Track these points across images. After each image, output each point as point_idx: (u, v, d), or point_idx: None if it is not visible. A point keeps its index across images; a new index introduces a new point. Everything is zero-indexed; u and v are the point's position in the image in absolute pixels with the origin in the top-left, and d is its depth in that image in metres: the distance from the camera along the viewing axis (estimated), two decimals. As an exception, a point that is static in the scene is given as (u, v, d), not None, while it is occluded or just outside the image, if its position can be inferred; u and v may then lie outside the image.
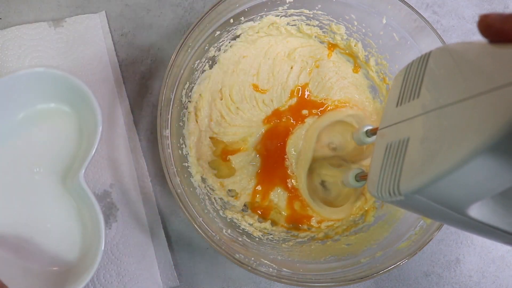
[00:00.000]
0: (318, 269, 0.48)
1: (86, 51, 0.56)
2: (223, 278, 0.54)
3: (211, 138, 0.55)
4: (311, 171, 0.55)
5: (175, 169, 0.46)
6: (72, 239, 0.46)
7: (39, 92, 0.46)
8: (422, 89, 0.33)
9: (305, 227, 0.55)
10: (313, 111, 0.57)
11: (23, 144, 0.46)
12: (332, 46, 0.59)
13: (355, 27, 0.55)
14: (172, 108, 0.48)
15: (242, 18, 0.53)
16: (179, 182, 0.46)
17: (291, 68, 0.58)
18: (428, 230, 0.47)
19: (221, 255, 0.44)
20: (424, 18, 0.50)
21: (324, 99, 0.58)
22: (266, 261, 0.46)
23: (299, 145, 0.56)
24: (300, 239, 0.53)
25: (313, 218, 0.55)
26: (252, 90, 0.57)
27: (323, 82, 0.58)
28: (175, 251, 0.54)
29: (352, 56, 0.59)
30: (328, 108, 0.57)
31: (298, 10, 0.55)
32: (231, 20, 0.52)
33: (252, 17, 0.54)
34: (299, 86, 0.58)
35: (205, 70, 0.54)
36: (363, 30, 0.55)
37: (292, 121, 0.56)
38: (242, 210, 0.54)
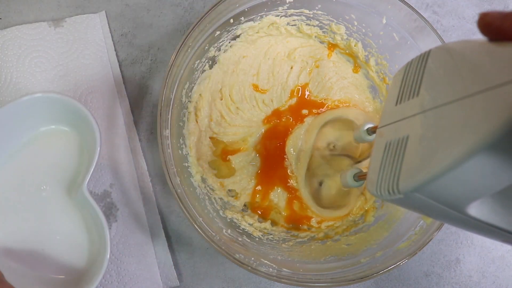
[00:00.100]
0: (318, 269, 0.48)
1: (86, 51, 0.56)
2: (223, 278, 0.54)
3: (211, 138, 0.55)
4: (310, 171, 0.55)
5: (175, 169, 0.46)
6: (80, 248, 0.48)
7: (41, 115, 0.49)
8: (421, 88, 0.33)
9: (305, 227, 0.55)
10: (313, 111, 0.57)
11: (29, 165, 0.49)
12: (332, 46, 0.59)
13: (355, 27, 0.55)
14: (172, 108, 0.48)
15: (242, 18, 0.53)
16: (179, 182, 0.46)
17: (291, 68, 0.58)
18: (428, 230, 0.47)
19: (221, 255, 0.44)
20: (424, 18, 0.50)
21: (324, 99, 0.58)
22: (266, 261, 0.46)
23: (298, 145, 0.56)
24: (300, 239, 0.53)
25: (313, 218, 0.55)
26: (252, 90, 0.57)
27: (323, 82, 0.58)
28: (175, 251, 0.54)
29: (352, 56, 0.59)
30: (328, 108, 0.57)
31: (298, 10, 0.55)
32: (231, 20, 0.52)
33: (252, 17, 0.54)
34: (299, 86, 0.58)
35: (205, 70, 0.54)
36: (363, 30, 0.55)
37: (292, 121, 0.56)
38: (242, 210, 0.54)
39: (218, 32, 0.52)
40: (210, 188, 0.53)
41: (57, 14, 0.58)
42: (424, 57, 0.34)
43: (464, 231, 0.59)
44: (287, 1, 0.53)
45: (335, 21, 0.56)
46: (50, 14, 0.58)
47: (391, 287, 0.57)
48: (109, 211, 0.52)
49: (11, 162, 0.49)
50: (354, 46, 0.57)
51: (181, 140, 0.51)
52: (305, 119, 0.56)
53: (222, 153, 0.55)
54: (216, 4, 0.48)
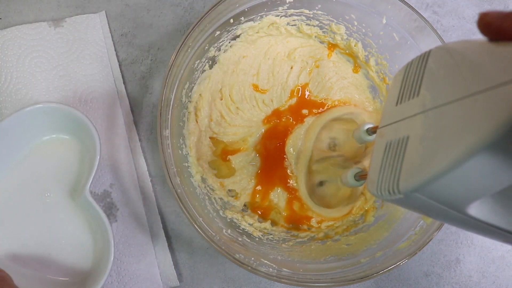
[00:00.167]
0: (318, 269, 0.48)
1: (86, 51, 0.56)
2: (223, 278, 0.54)
3: (211, 138, 0.55)
4: (310, 171, 0.55)
5: (175, 169, 0.46)
6: (85, 251, 0.50)
7: (42, 125, 0.50)
8: (422, 88, 0.33)
9: (305, 227, 0.55)
10: (313, 111, 0.57)
11: (32, 173, 0.50)
12: (332, 46, 0.59)
13: (355, 27, 0.55)
14: (172, 108, 0.48)
15: (242, 18, 0.53)
16: (179, 182, 0.46)
17: (291, 68, 0.58)
18: (428, 230, 0.47)
19: (221, 255, 0.44)
20: (424, 18, 0.50)
21: (324, 99, 0.58)
22: (266, 261, 0.46)
23: (298, 144, 0.56)
24: (300, 239, 0.53)
25: (313, 218, 0.55)
26: (252, 90, 0.57)
27: (323, 82, 0.58)
28: (175, 251, 0.54)
29: (352, 56, 0.59)
30: (328, 108, 0.57)
31: (298, 10, 0.55)
32: (231, 20, 0.52)
33: (252, 17, 0.54)
34: (299, 86, 0.58)
35: (205, 70, 0.54)
36: (363, 30, 0.55)
37: (291, 121, 0.56)
38: (242, 210, 0.54)
39: (218, 32, 0.52)
40: (210, 188, 0.53)
41: (57, 14, 0.58)
42: (425, 57, 0.34)
43: (464, 231, 0.59)
44: (287, 1, 0.53)
45: (335, 21, 0.56)
46: (50, 14, 0.58)
47: (391, 287, 0.57)
48: (109, 211, 0.52)
49: (15, 172, 0.50)
50: (354, 46, 0.57)
51: (181, 140, 0.51)
52: (305, 119, 0.56)
53: (222, 153, 0.55)
54: (216, 4, 0.48)
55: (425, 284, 0.58)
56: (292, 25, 0.57)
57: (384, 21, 0.53)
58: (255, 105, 0.57)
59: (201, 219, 0.45)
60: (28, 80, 0.54)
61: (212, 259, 0.54)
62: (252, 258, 0.45)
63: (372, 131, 0.49)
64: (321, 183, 0.55)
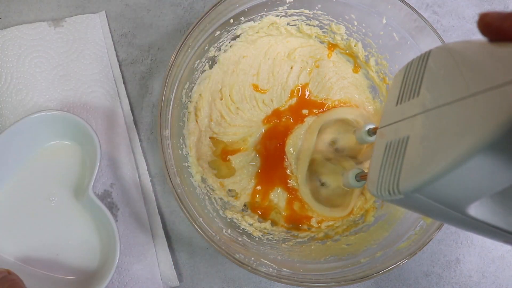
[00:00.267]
0: (318, 269, 0.48)
1: (86, 51, 0.56)
2: (223, 278, 0.54)
3: (211, 138, 0.55)
4: (311, 171, 0.55)
5: (175, 169, 0.46)
6: (91, 249, 0.51)
7: (44, 132, 0.51)
8: (422, 88, 0.33)
9: (305, 227, 0.55)
10: (313, 111, 0.57)
11: (37, 178, 0.52)
12: (332, 46, 0.59)
13: (355, 27, 0.55)
14: (172, 108, 0.48)
15: (242, 18, 0.53)
16: (179, 182, 0.46)
17: (291, 68, 0.58)
18: (428, 230, 0.47)
19: (221, 255, 0.44)
20: (424, 18, 0.50)
21: (324, 99, 0.58)
22: (266, 261, 0.46)
23: (298, 144, 0.56)
24: (300, 239, 0.53)
25: (313, 218, 0.55)
26: (252, 90, 0.57)
27: (323, 82, 0.58)
28: (175, 251, 0.54)
29: (352, 56, 0.59)
30: (328, 108, 0.57)
31: (298, 10, 0.55)
32: (231, 20, 0.52)
33: (252, 17, 0.54)
34: (299, 86, 0.58)
35: (205, 70, 0.54)
36: (363, 30, 0.55)
37: (291, 121, 0.56)
38: (242, 210, 0.54)
39: (218, 32, 0.52)
40: (210, 188, 0.53)
41: (57, 14, 0.58)
42: (425, 58, 0.34)
43: (464, 231, 0.59)
44: (287, 1, 0.53)
45: (335, 21, 0.56)
46: (50, 14, 0.58)
47: (391, 287, 0.57)
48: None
49: (20, 178, 0.51)
50: (354, 46, 0.57)
51: (181, 140, 0.51)
52: (305, 119, 0.56)
53: (222, 153, 0.55)
54: (216, 4, 0.48)
55: (425, 284, 0.58)
56: (292, 25, 0.57)
57: (384, 21, 0.53)
58: (255, 105, 0.57)
59: (201, 219, 0.45)
60: (28, 81, 0.54)
61: (212, 259, 0.54)
62: (252, 258, 0.45)
63: (373, 131, 0.49)
64: (321, 183, 0.55)
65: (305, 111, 0.57)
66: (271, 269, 0.45)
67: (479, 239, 0.59)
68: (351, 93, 0.59)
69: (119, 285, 0.51)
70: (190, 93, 0.53)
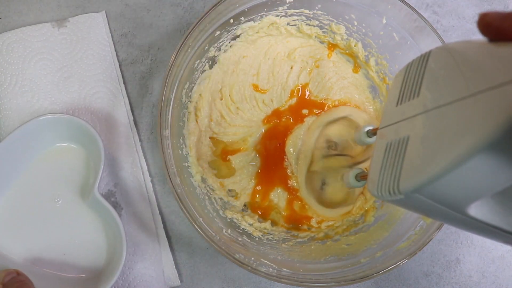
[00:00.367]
0: (318, 269, 0.48)
1: (89, 51, 0.56)
2: (223, 278, 0.54)
3: (211, 138, 0.55)
4: (311, 171, 0.55)
5: (175, 169, 0.46)
6: (98, 248, 0.51)
7: (49, 134, 0.52)
8: (422, 88, 0.33)
9: (305, 227, 0.55)
10: (313, 110, 0.57)
11: (41, 181, 0.52)
12: (332, 46, 0.59)
13: (355, 27, 0.55)
14: (172, 108, 0.48)
15: (242, 18, 0.53)
16: (179, 182, 0.46)
17: (291, 68, 0.58)
18: (428, 230, 0.47)
19: (221, 255, 0.44)
20: (424, 18, 0.50)
21: (324, 99, 0.58)
22: (266, 261, 0.46)
23: (298, 144, 0.56)
24: (300, 239, 0.53)
25: (313, 218, 0.55)
26: (252, 90, 0.57)
27: (323, 82, 0.58)
28: (175, 251, 0.54)
29: (352, 56, 0.59)
30: (328, 108, 0.57)
31: (298, 10, 0.55)
32: (231, 20, 0.52)
33: (252, 17, 0.54)
34: (299, 86, 0.58)
35: (205, 70, 0.54)
36: (363, 30, 0.55)
37: (291, 121, 0.56)
38: (242, 210, 0.54)
39: (218, 32, 0.52)
40: (210, 188, 0.53)
41: (57, 14, 0.58)
42: (425, 58, 0.34)
43: (464, 231, 0.59)
44: (287, 1, 0.53)
45: (335, 21, 0.56)
46: (50, 14, 0.58)
47: (391, 287, 0.57)
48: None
49: (25, 180, 0.52)
50: (354, 46, 0.57)
51: (181, 140, 0.51)
52: (305, 119, 0.56)
53: (222, 153, 0.55)
54: (216, 4, 0.48)
55: (425, 284, 0.58)
56: (292, 25, 0.57)
57: (384, 21, 0.53)
58: (255, 105, 0.57)
59: (201, 219, 0.45)
60: (33, 83, 0.54)
61: (212, 259, 0.54)
62: (252, 258, 0.45)
63: (372, 133, 0.49)
64: (322, 183, 0.55)
65: (305, 111, 0.57)
66: (271, 269, 0.45)
67: (479, 239, 0.59)
68: (351, 93, 0.59)
69: (123, 283, 0.51)
70: (190, 93, 0.53)
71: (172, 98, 0.48)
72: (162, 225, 0.53)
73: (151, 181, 0.55)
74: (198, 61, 0.52)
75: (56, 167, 0.53)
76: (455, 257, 0.59)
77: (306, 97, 0.58)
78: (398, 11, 0.51)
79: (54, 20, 0.57)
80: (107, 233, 0.52)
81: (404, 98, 0.35)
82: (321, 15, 0.55)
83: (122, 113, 0.56)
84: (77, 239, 0.51)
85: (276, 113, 0.57)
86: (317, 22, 0.56)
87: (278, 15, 0.55)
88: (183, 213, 0.44)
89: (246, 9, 0.52)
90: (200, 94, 0.55)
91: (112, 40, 0.58)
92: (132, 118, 0.56)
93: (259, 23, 0.55)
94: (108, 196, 0.53)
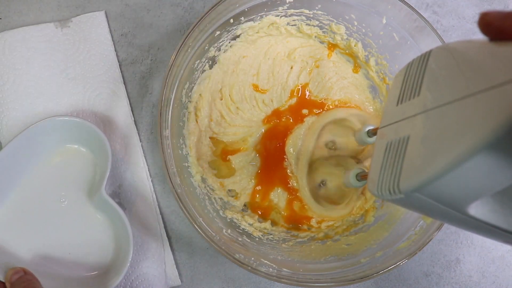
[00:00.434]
0: (318, 269, 0.48)
1: (92, 51, 0.56)
2: (223, 278, 0.54)
3: (211, 138, 0.55)
4: (311, 170, 0.55)
5: (175, 169, 0.46)
6: (104, 246, 0.52)
7: (57, 135, 0.52)
8: (423, 88, 0.33)
9: (305, 227, 0.55)
10: (313, 110, 0.57)
11: (48, 181, 0.53)
12: (332, 46, 0.59)
13: (355, 27, 0.55)
14: (172, 108, 0.48)
15: (242, 18, 0.53)
16: (179, 182, 0.46)
17: (291, 68, 0.58)
18: (428, 230, 0.47)
19: (221, 255, 0.44)
20: (424, 18, 0.50)
21: (324, 99, 0.58)
22: (266, 261, 0.46)
23: (298, 144, 0.56)
24: (300, 239, 0.53)
25: (313, 218, 0.55)
26: (252, 90, 0.57)
27: (323, 82, 0.58)
28: (175, 251, 0.54)
29: (352, 56, 0.59)
30: (328, 108, 0.57)
31: (298, 10, 0.55)
32: (231, 20, 0.52)
33: (252, 17, 0.54)
34: (299, 86, 0.58)
35: (205, 70, 0.54)
36: (363, 30, 0.55)
37: (291, 121, 0.56)
38: (242, 210, 0.54)
39: (218, 32, 0.52)
40: (210, 188, 0.53)
41: (57, 14, 0.58)
42: (425, 57, 0.34)
43: (464, 231, 0.59)
44: (287, 1, 0.53)
45: (335, 21, 0.56)
46: (50, 14, 0.58)
47: (391, 287, 0.57)
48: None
49: (31, 180, 0.52)
50: (354, 46, 0.57)
51: (181, 140, 0.51)
52: (305, 119, 0.56)
53: (222, 153, 0.55)
54: (216, 4, 0.48)
55: (425, 284, 0.58)
56: (292, 25, 0.57)
57: (384, 21, 0.53)
58: (255, 105, 0.57)
59: (201, 219, 0.45)
60: (38, 84, 0.54)
61: (212, 259, 0.54)
62: (252, 258, 0.45)
63: (372, 133, 0.49)
64: (322, 183, 0.55)
65: (305, 111, 0.57)
66: (271, 269, 0.45)
67: (479, 239, 0.59)
68: (351, 93, 0.59)
69: (126, 282, 0.51)
70: (190, 93, 0.53)
71: (172, 98, 0.48)
72: (162, 225, 0.53)
73: (151, 181, 0.55)
74: (198, 61, 0.52)
75: (63, 168, 0.53)
76: (455, 257, 0.59)
77: (306, 97, 0.58)
78: (398, 11, 0.51)
79: (55, 20, 0.57)
80: (113, 232, 0.52)
81: (405, 97, 0.35)
82: (321, 15, 0.55)
83: (124, 113, 0.56)
84: (82, 238, 0.52)
85: (276, 113, 0.57)
86: (317, 22, 0.56)
87: (278, 15, 0.55)
88: (183, 213, 0.44)
89: (246, 9, 0.52)
90: (200, 94, 0.55)
91: (112, 40, 0.58)
92: (132, 118, 0.56)
93: (259, 23, 0.55)
94: (112, 196, 0.53)
